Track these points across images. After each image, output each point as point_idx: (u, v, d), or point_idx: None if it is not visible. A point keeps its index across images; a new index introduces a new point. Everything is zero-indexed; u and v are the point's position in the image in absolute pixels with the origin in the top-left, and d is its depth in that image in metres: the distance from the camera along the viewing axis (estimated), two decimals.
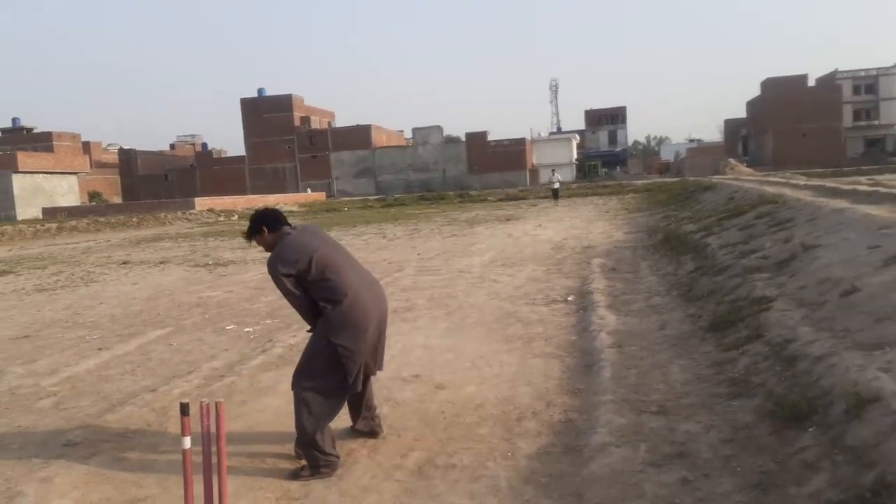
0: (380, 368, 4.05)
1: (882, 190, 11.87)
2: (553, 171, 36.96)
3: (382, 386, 4.97)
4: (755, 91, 78.60)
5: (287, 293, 3.73)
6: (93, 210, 43.95)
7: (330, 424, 3.79)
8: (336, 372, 3.71)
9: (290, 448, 4.02)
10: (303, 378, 3.76)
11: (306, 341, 6.43)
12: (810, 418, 3.51)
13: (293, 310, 3.96)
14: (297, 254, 3.68)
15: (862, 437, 3.06)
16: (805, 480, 2.99)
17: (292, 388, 3.79)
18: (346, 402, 3.99)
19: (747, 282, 6.87)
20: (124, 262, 16.08)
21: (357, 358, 3.71)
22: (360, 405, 4.11)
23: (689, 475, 3.30)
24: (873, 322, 4.50)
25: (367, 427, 4.15)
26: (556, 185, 33.70)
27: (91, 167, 61.36)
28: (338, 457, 3.76)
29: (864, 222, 7.55)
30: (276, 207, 3.98)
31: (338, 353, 3.66)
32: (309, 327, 3.91)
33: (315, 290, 3.71)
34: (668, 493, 3.16)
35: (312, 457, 3.69)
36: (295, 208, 45.08)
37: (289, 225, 3.90)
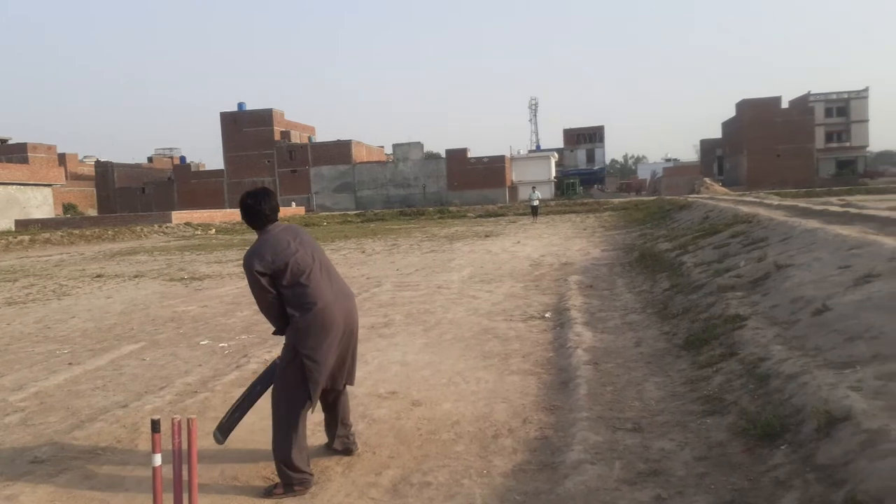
0: (349, 383, 4.00)
1: (853, 211, 12.11)
2: (533, 188, 37.50)
3: (358, 402, 4.94)
4: (730, 112, 79.97)
5: (260, 291, 3.66)
6: (67, 222, 43.30)
7: (305, 441, 3.74)
8: (299, 380, 3.66)
9: (263, 465, 3.97)
10: (276, 389, 3.73)
11: None
12: (782, 436, 3.55)
13: (269, 325, 3.92)
14: (275, 255, 3.62)
15: (832, 456, 3.10)
16: (777, 498, 3.02)
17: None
18: (324, 415, 3.95)
19: (721, 300, 6.94)
20: (98, 276, 15.85)
21: (321, 369, 3.66)
22: (335, 422, 4.07)
23: (663, 493, 3.31)
24: (844, 341, 4.56)
25: (341, 445, 4.10)
26: (536, 203, 34.13)
27: (66, 179, 60.51)
28: (311, 474, 3.71)
29: (835, 242, 7.68)
30: (267, 192, 3.81)
31: (301, 360, 3.62)
32: (274, 330, 3.86)
33: (287, 294, 3.67)
34: None
35: (286, 475, 3.64)
36: None
37: (274, 220, 3.81)
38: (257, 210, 3.74)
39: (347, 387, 4.09)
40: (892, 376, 3.68)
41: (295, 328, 3.66)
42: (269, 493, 3.64)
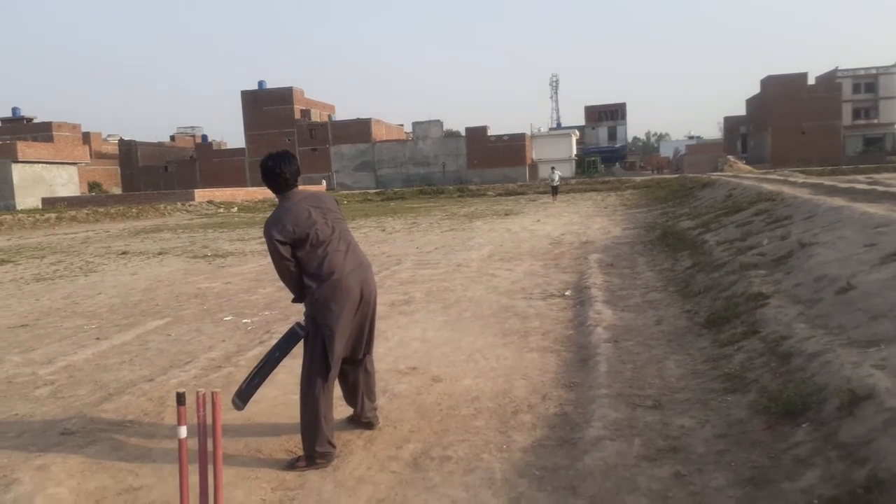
0: (368, 353, 4.04)
1: (879, 188, 11.91)
2: (553, 168, 35.52)
3: (379, 378, 4.97)
4: (755, 89, 78.55)
5: (279, 258, 3.68)
6: (92, 200, 43.89)
7: (330, 414, 3.79)
8: (321, 350, 3.70)
9: (287, 439, 4.04)
10: (304, 362, 3.78)
11: None
12: (804, 414, 3.53)
13: (290, 300, 3.97)
14: (295, 224, 3.64)
15: (855, 434, 3.08)
16: (798, 476, 3.01)
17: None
18: (341, 387, 3.99)
19: (744, 278, 6.88)
20: (123, 253, 16.08)
21: (339, 339, 3.70)
22: (357, 395, 4.11)
23: (682, 469, 3.32)
24: (868, 319, 4.52)
25: (364, 418, 4.16)
26: (556, 182, 33.03)
27: (91, 158, 61.19)
28: (335, 447, 3.77)
29: (861, 220, 7.56)
30: (288, 156, 3.82)
31: (320, 330, 3.67)
32: (294, 298, 3.89)
33: (305, 264, 3.70)
34: (661, 487, 3.17)
35: (309, 448, 3.70)
36: None
37: (295, 186, 3.83)
38: (277, 173, 3.76)
39: (372, 360, 4.13)
40: None
41: (312, 299, 3.70)
42: (291, 465, 3.70)
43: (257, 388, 3.79)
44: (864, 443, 2.97)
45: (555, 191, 33.11)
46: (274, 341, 6.32)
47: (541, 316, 7.09)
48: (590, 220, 19.59)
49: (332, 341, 3.68)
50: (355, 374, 4.04)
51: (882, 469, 2.70)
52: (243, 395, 3.78)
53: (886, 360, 3.71)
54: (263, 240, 3.78)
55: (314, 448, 3.68)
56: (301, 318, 3.91)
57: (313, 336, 3.73)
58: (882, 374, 3.49)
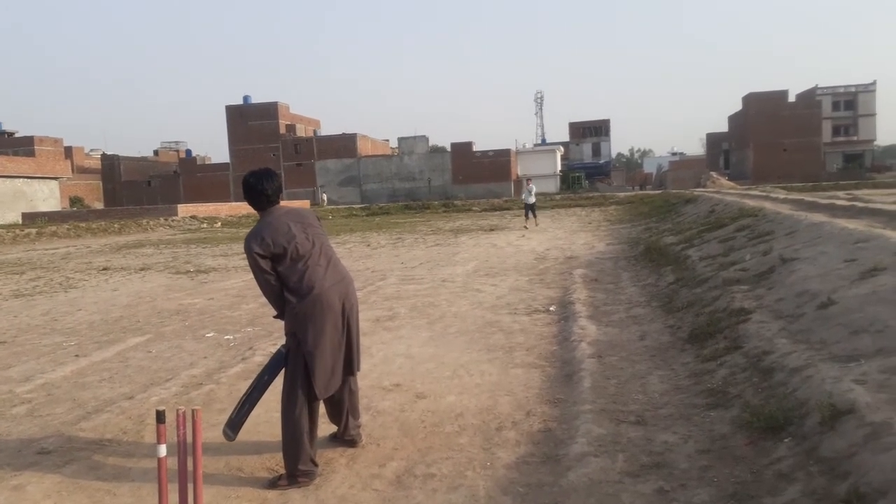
0: (356, 370, 3.99)
1: (859, 204, 12.07)
2: (527, 181, 27.48)
3: (363, 395, 4.94)
4: (737, 106, 79.60)
5: (259, 272, 3.68)
6: (74, 215, 43.45)
7: (313, 433, 3.75)
8: (301, 366, 3.68)
9: (268, 457, 4.00)
10: (285, 379, 3.74)
11: None
12: (786, 429, 3.55)
13: (272, 320, 3.94)
14: (274, 238, 3.65)
15: (836, 449, 3.10)
16: (780, 491, 3.02)
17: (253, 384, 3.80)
18: (325, 405, 3.95)
19: (726, 294, 6.93)
20: (104, 269, 15.91)
21: (320, 354, 3.66)
22: (341, 413, 4.07)
23: (666, 485, 3.31)
24: (849, 334, 4.56)
25: (347, 436, 4.12)
26: (532, 200, 25.00)
27: (73, 172, 60.75)
28: (317, 465, 3.73)
29: (841, 236, 7.66)
30: (270, 173, 3.86)
31: (300, 346, 3.65)
32: (276, 313, 3.86)
33: (284, 278, 3.70)
34: (645, 502, 3.17)
35: (291, 465, 3.66)
36: None
37: (276, 203, 3.84)
38: (259, 190, 3.77)
39: (356, 379, 4.10)
40: None
41: (293, 314, 3.68)
42: (273, 484, 3.65)
43: (248, 415, 3.76)
44: (845, 457, 2.98)
45: (530, 210, 24.97)
46: (257, 358, 6.30)
47: (525, 331, 7.09)
48: (574, 236, 19.68)
49: (313, 358, 3.65)
50: (340, 391, 3.98)
51: (863, 483, 2.72)
52: (234, 425, 3.74)
53: (867, 374, 3.74)
54: (244, 254, 3.76)
55: (296, 466, 3.63)
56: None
57: (294, 353, 3.70)
58: (862, 388, 3.52)
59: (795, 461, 3.20)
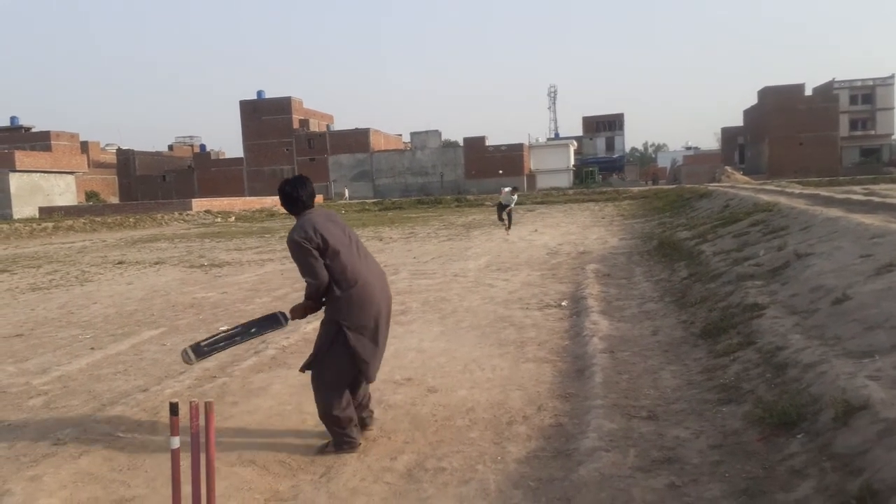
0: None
1: (876, 199, 11.95)
2: (512, 189, 20.69)
3: (374, 388, 4.95)
4: (752, 100, 78.90)
5: (306, 257, 3.80)
6: (90, 210, 43.83)
7: (351, 411, 3.99)
8: (344, 352, 3.90)
9: (281, 449, 4.04)
10: (317, 361, 3.98)
11: (299, 344, 6.45)
12: (799, 425, 3.52)
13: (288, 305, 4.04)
14: (317, 232, 3.84)
15: (850, 445, 3.07)
16: (792, 487, 3.00)
17: (302, 368, 4.07)
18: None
19: (740, 289, 6.89)
20: (120, 263, 16.05)
21: (368, 341, 3.92)
22: (356, 398, 4.18)
23: (677, 480, 3.30)
24: (864, 330, 4.52)
25: (360, 423, 4.20)
26: (511, 204, 19.79)
27: (89, 167, 61.19)
28: (358, 439, 3.98)
29: (857, 231, 7.58)
30: (304, 180, 4.05)
31: (345, 334, 3.85)
32: (310, 295, 3.92)
33: (328, 270, 3.87)
34: (656, 498, 3.16)
35: (336, 434, 3.94)
36: None
37: (312, 206, 4.05)
38: (295, 197, 3.97)
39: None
40: None
41: (337, 304, 3.90)
42: (321, 450, 3.96)
43: (217, 352, 3.93)
44: (858, 454, 2.96)
45: (505, 215, 19.63)
46: (270, 352, 6.34)
47: (537, 326, 7.08)
48: (587, 231, 19.62)
49: (362, 345, 3.89)
50: (355, 385, 4.14)
51: (876, 480, 2.70)
52: (199, 352, 3.81)
53: (881, 370, 3.70)
54: (287, 245, 3.92)
55: (344, 433, 3.93)
56: (285, 310, 4.05)
57: (334, 340, 3.90)
58: (877, 384, 3.49)
59: (808, 457, 3.18)
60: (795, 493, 2.93)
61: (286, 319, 3.98)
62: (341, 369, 3.93)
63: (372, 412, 4.36)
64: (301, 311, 4.01)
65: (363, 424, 4.21)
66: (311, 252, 3.80)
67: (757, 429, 3.71)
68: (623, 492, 3.23)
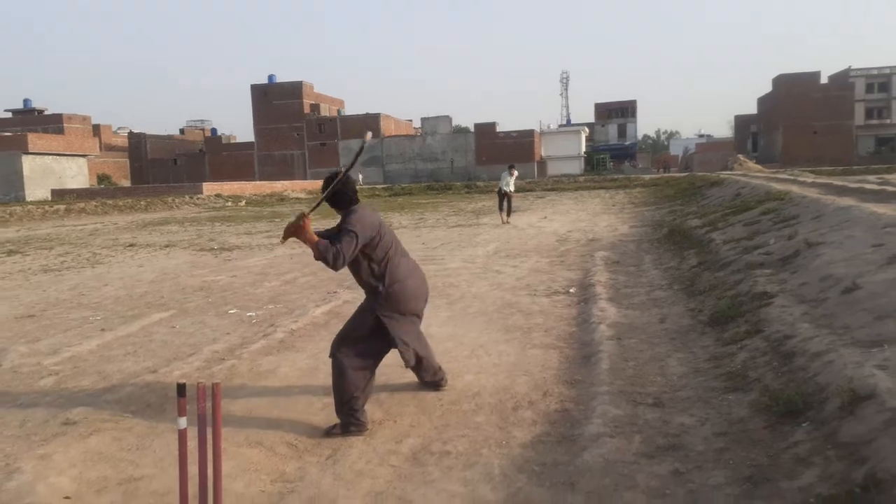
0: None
1: (889, 188, 11.83)
2: (510, 167, 19.61)
3: (381, 372, 4.96)
4: (767, 87, 78.15)
5: (353, 248, 3.90)
6: (101, 192, 44.07)
7: (366, 392, 4.11)
8: (374, 342, 4.12)
9: (288, 431, 4.07)
10: (343, 345, 4.11)
11: (307, 328, 6.48)
12: (805, 414, 3.52)
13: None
14: (373, 227, 4.02)
15: (855, 434, 3.07)
16: (796, 475, 3.00)
17: (331, 355, 4.14)
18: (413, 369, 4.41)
19: (749, 277, 6.85)
20: (130, 245, 16.16)
21: (406, 331, 4.18)
22: (423, 370, 4.53)
23: (681, 467, 3.31)
24: (873, 320, 4.49)
25: (431, 380, 4.62)
26: (510, 188, 18.83)
27: (101, 150, 61.55)
28: (367, 423, 4.04)
29: (869, 220, 7.52)
30: (346, 177, 4.11)
31: (381, 323, 4.07)
32: (315, 252, 3.95)
33: (374, 264, 4.08)
34: (660, 484, 3.17)
35: (345, 416, 4.02)
36: (303, 195, 45.17)
37: (357, 202, 4.13)
38: (343, 192, 4.07)
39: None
40: None
41: (378, 298, 4.10)
42: (328, 432, 4.02)
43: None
44: (863, 442, 2.96)
45: (505, 202, 18.75)
46: (278, 335, 6.37)
47: (544, 313, 7.08)
48: (597, 218, 19.55)
49: (399, 334, 4.11)
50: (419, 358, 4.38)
51: (881, 469, 2.69)
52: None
53: (889, 360, 3.69)
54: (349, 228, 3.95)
55: (350, 417, 4.00)
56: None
57: (366, 325, 4.11)
58: (884, 374, 3.47)
59: (813, 446, 3.17)
60: (799, 481, 2.93)
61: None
62: (365, 357, 4.09)
63: (442, 372, 4.70)
64: (293, 234, 3.95)
65: (436, 385, 4.64)
66: (358, 245, 3.91)
67: (763, 417, 3.71)
68: (627, 477, 3.24)
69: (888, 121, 74.16)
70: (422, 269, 4.48)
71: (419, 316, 4.38)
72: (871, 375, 3.47)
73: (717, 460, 3.34)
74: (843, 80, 72.88)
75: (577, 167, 70.05)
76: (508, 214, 18.72)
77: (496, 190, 19.78)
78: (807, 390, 3.71)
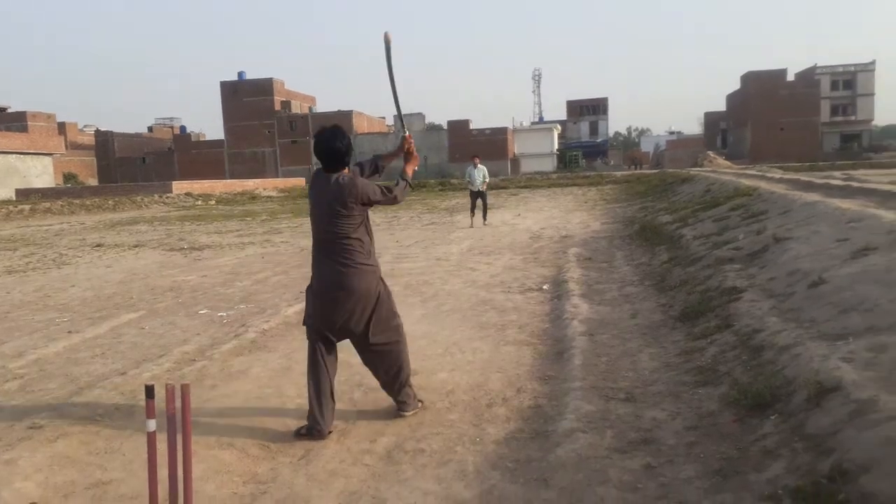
0: (343, 337, 4.11)
1: (854, 184, 12.07)
2: (475, 159, 17.60)
3: (355, 371, 4.95)
4: (735, 85, 79.22)
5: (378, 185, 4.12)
6: (67, 192, 43.23)
7: (326, 395, 3.95)
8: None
9: (259, 432, 4.03)
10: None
11: (279, 327, 6.43)
12: (773, 406, 3.57)
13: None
14: (373, 191, 4.10)
15: (821, 426, 3.12)
16: (764, 467, 3.05)
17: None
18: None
19: (719, 272, 6.95)
20: (98, 245, 15.87)
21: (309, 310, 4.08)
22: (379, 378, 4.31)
23: (653, 461, 3.34)
24: (838, 313, 4.58)
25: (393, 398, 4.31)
26: (480, 187, 17.03)
27: (66, 148, 60.30)
28: (322, 425, 3.90)
29: (834, 216, 7.67)
30: (339, 128, 4.16)
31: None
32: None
33: (369, 234, 4.11)
34: (632, 478, 3.20)
35: (409, 394, 4.20)
36: (274, 193, 44.73)
37: (347, 163, 4.17)
38: (335, 148, 4.01)
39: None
40: (884, 348, 3.70)
41: (379, 275, 4.08)
42: (297, 433, 3.96)
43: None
44: (829, 434, 3.01)
45: (479, 199, 17.11)
46: (250, 335, 6.31)
47: (518, 309, 7.11)
48: (570, 215, 19.68)
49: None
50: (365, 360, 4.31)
51: (846, 460, 2.74)
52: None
53: (854, 353, 3.76)
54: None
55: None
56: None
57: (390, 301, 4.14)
58: (849, 366, 3.54)
59: (781, 438, 3.22)
60: (767, 473, 2.98)
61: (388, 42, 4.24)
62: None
63: (408, 389, 4.43)
64: (410, 151, 4.84)
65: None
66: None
67: (732, 410, 3.76)
68: (599, 472, 3.27)
69: (853, 118, 75.69)
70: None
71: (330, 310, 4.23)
72: (836, 368, 3.54)
73: (687, 454, 3.39)
74: (809, 77, 74.15)
75: (549, 164, 70.40)
76: (485, 215, 17.14)
77: (467, 189, 18.00)
78: (775, 383, 3.78)
